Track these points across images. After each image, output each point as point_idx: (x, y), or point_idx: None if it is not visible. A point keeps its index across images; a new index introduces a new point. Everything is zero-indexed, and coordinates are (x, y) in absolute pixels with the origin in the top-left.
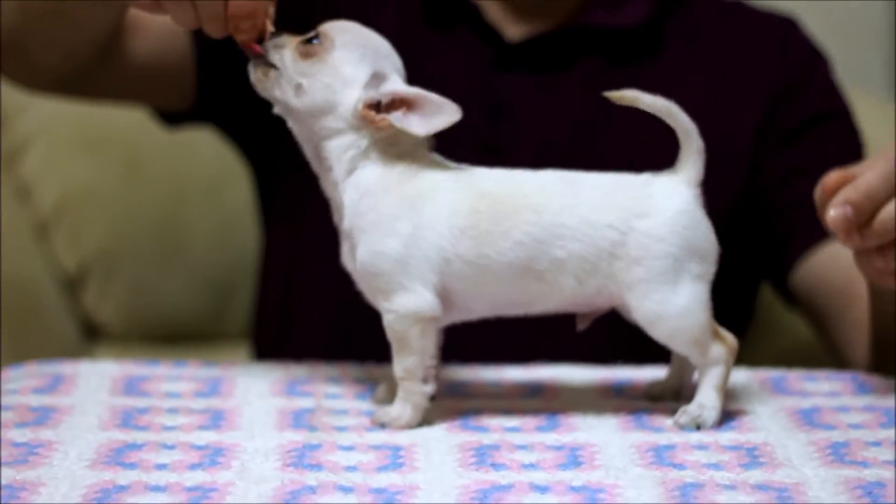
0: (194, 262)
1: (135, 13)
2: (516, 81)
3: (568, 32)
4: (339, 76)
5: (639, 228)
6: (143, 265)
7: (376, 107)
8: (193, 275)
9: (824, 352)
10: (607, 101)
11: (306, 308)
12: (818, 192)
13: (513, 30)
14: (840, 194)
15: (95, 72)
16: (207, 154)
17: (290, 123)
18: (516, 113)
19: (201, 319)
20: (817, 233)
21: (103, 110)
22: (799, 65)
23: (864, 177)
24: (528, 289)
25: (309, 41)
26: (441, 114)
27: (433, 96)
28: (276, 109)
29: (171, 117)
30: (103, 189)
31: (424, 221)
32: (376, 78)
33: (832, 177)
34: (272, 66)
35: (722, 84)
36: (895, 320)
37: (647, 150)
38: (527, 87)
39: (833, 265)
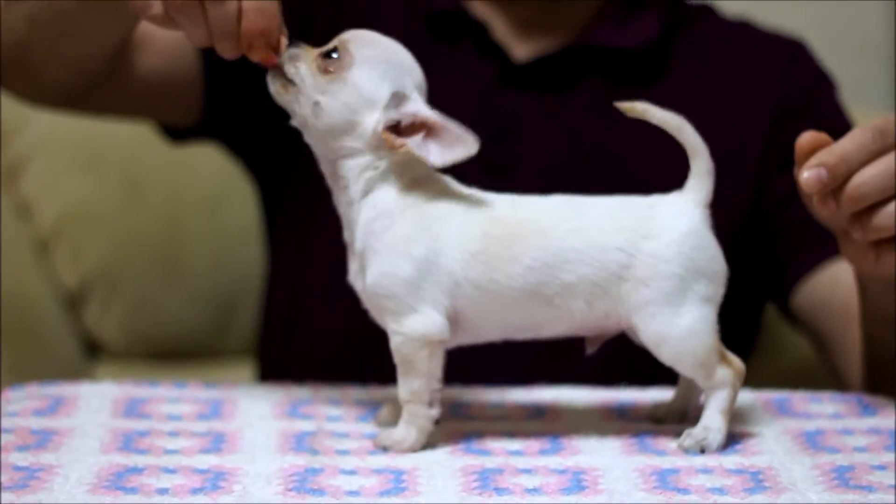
0: (195, 279)
1: (143, 28)
2: (522, 100)
3: (574, 52)
4: (360, 96)
5: (645, 250)
6: (144, 282)
7: (396, 126)
8: (194, 292)
9: (827, 370)
10: (613, 120)
11: (311, 325)
12: (796, 153)
13: (519, 48)
14: (814, 157)
15: (102, 87)
16: (208, 171)
17: (307, 138)
18: (521, 132)
19: (202, 337)
20: (818, 254)
21: (103, 127)
22: (804, 87)
23: (840, 142)
24: (537, 313)
25: (328, 55)
26: (460, 145)
27: (455, 126)
28: (294, 122)
29: (176, 133)
30: (104, 206)
31: (438, 246)
32: (397, 97)
33: (805, 136)
34: (290, 80)
35: (727, 105)
36: (883, 325)
37: (653, 169)
38: (532, 106)
39: (833, 286)
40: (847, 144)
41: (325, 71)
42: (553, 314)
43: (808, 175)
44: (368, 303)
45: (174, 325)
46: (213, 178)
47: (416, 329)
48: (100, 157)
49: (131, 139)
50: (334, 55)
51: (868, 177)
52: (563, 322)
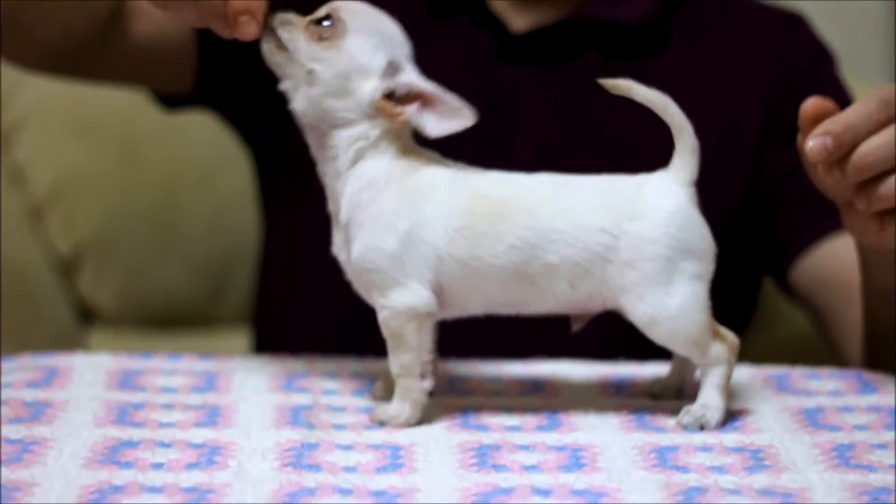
0: (190, 246)
1: None
2: (519, 73)
3: (572, 24)
4: (355, 64)
5: (630, 231)
6: (138, 249)
7: (390, 96)
8: (189, 259)
9: (825, 344)
10: (609, 94)
11: (307, 294)
12: (800, 120)
13: (516, 20)
14: (820, 126)
15: (95, 52)
16: (203, 138)
17: (296, 104)
18: (518, 105)
19: (197, 304)
20: (818, 230)
21: (98, 92)
22: (804, 62)
23: (846, 112)
24: (520, 292)
25: (319, 22)
26: (456, 117)
27: (451, 98)
28: (284, 86)
29: (170, 100)
30: (98, 172)
31: (422, 220)
32: (391, 67)
33: (810, 102)
34: (283, 46)
35: (726, 81)
36: (885, 299)
37: (649, 144)
38: (529, 79)
39: (833, 262)
40: (852, 114)
41: (319, 38)
42: (536, 293)
43: (813, 144)
44: (353, 277)
45: (169, 291)
46: (209, 145)
47: (402, 302)
48: (94, 122)
49: (126, 105)
50: (326, 23)
51: (874, 146)
52: (547, 302)
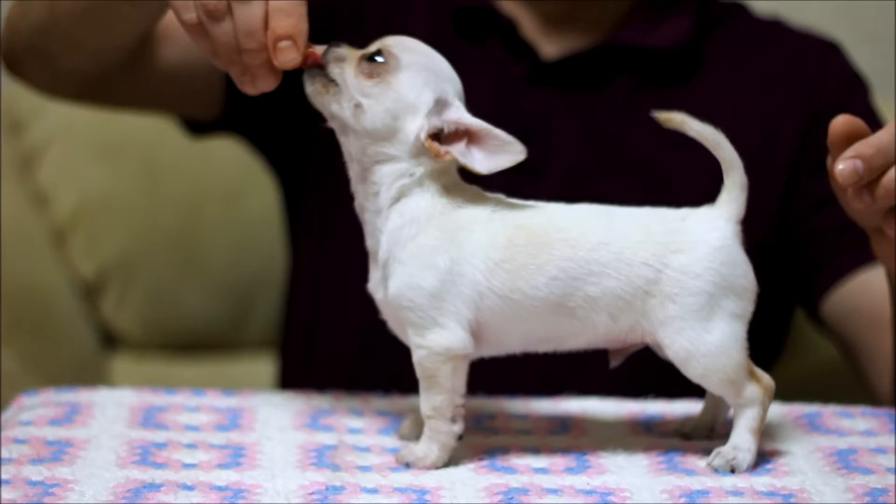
0: (213, 270)
1: (166, 21)
2: (549, 99)
3: (603, 51)
4: (403, 101)
5: (673, 265)
6: (161, 273)
7: (438, 134)
8: (212, 284)
9: (854, 373)
10: (642, 122)
11: (333, 325)
12: (829, 139)
13: (548, 46)
14: (851, 148)
15: (122, 78)
16: (226, 161)
17: (342, 140)
18: (548, 131)
19: (220, 328)
20: (850, 261)
21: (120, 117)
22: (837, 91)
23: (878, 134)
24: (560, 325)
25: (371, 58)
26: (506, 152)
27: (499, 133)
28: (331, 124)
29: (196, 126)
30: (121, 196)
31: (462, 255)
32: (439, 104)
33: (840, 120)
34: (332, 80)
35: (759, 107)
36: None
37: (681, 173)
38: (560, 106)
39: (864, 294)
40: (884, 136)
41: (370, 75)
42: (576, 326)
43: (843, 167)
44: (389, 314)
45: (192, 317)
46: (232, 169)
47: (440, 343)
48: (118, 146)
49: (150, 129)
50: (378, 59)
51: None
52: (586, 334)
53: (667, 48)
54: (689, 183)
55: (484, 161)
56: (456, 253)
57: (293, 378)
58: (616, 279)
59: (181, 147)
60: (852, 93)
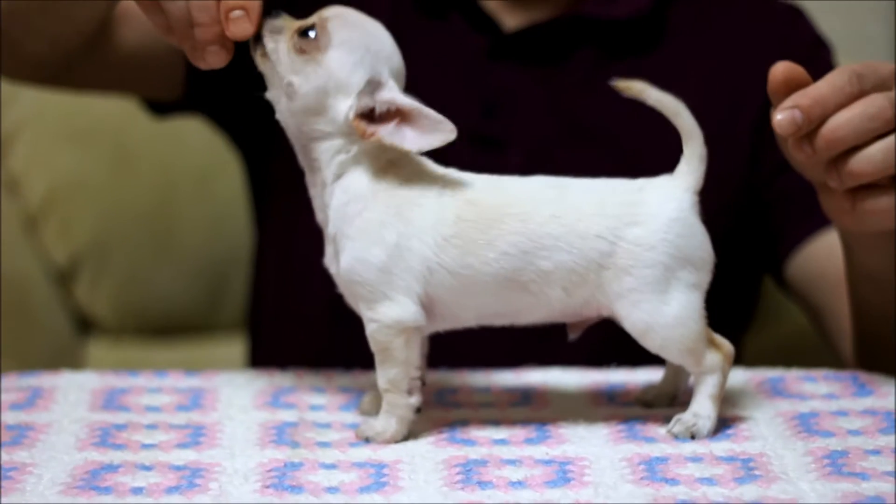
0: (186, 253)
1: (123, 3)
2: (512, 72)
3: (565, 22)
4: (334, 80)
5: (628, 237)
6: (134, 257)
7: (370, 113)
8: (186, 265)
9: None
10: (606, 93)
11: (301, 302)
12: (769, 86)
13: (509, 19)
14: (789, 98)
15: (83, 62)
16: (197, 144)
17: (279, 115)
18: (511, 105)
19: (194, 311)
20: (811, 224)
21: (91, 101)
22: (801, 54)
23: (816, 84)
24: (513, 300)
25: (305, 32)
26: (437, 132)
27: (431, 112)
28: (269, 95)
29: (160, 107)
30: (92, 181)
31: (410, 230)
32: (372, 84)
33: (778, 67)
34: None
35: (722, 76)
36: (870, 284)
37: (646, 145)
38: (523, 78)
39: (826, 257)
40: (823, 87)
41: (301, 50)
42: (530, 301)
43: (781, 117)
44: (343, 288)
45: (166, 299)
46: (203, 150)
47: (390, 316)
48: (87, 130)
49: (119, 113)
50: (311, 34)
51: (844, 120)
52: (541, 309)
53: (628, 18)
54: (656, 154)
55: (415, 140)
56: (404, 228)
57: (262, 357)
58: (568, 253)
59: (151, 130)
60: (816, 55)
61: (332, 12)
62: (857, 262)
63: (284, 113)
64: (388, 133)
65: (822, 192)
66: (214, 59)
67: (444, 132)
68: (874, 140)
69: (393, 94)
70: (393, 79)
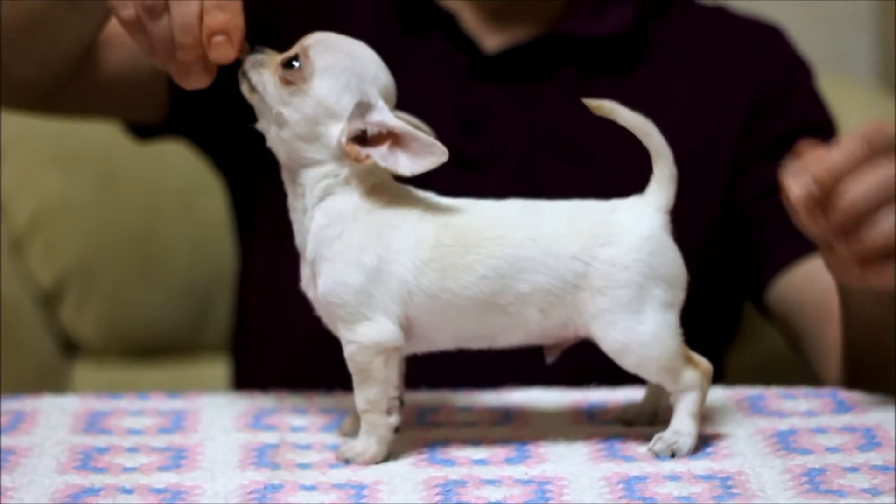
0: (171, 274)
1: (109, 27)
2: (493, 92)
3: (546, 41)
4: (322, 107)
5: (602, 257)
6: (119, 279)
7: (362, 136)
8: (171, 287)
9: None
10: (586, 111)
11: (284, 325)
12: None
13: (490, 39)
14: (804, 168)
15: (69, 87)
16: (182, 166)
17: (270, 144)
18: (493, 124)
19: (180, 332)
20: (793, 250)
21: (77, 124)
22: (781, 75)
23: (831, 154)
24: (491, 323)
25: (289, 63)
26: (430, 154)
27: (421, 136)
28: (259, 126)
29: (143, 130)
30: (78, 203)
31: (390, 254)
32: (361, 106)
33: (808, 149)
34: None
35: (702, 95)
36: (866, 332)
37: (628, 163)
38: (504, 98)
39: (809, 284)
40: (837, 156)
41: (287, 81)
42: (508, 323)
43: (798, 193)
44: (321, 311)
45: (151, 321)
46: (188, 173)
47: (369, 337)
48: (73, 153)
49: (105, 135)
50: (295, 63)
51: (859, 193)
52: (519, 332)
53: (608, 36)
54: (638, 172)
55: (408, 163)
56: (383, 251)
57: (245, 378)
58: (545, 274)
59: (136, 152)
60: (796, 76)
61: (313, 39)
62: (854, 309)
63: (275, 141)
64: (381, 156)
65: (826, 252)
66: (198, 80)
67: (436, 155)
68: (885, 205)
69: (383, 115)
70: (382, 98)
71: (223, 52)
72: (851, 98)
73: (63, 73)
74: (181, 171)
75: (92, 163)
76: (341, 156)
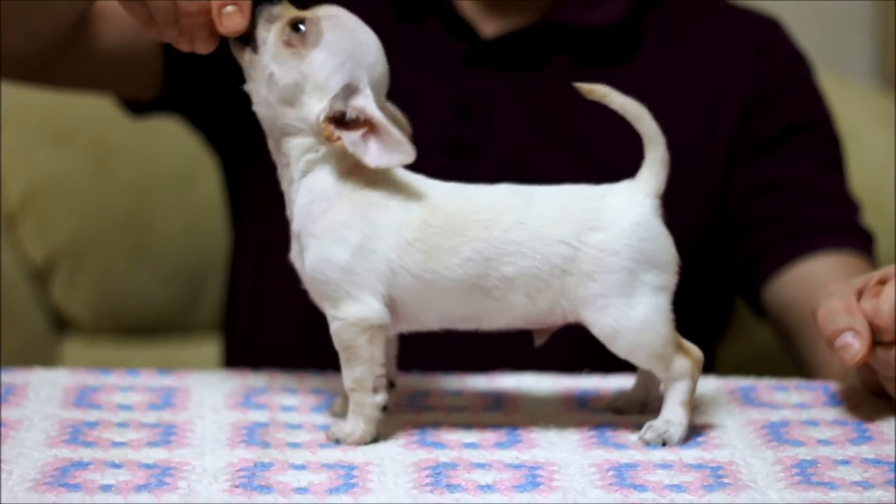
0: (163, 253)
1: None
2: (488, 79)
3: (542, 29)
4: (312, 79)
5: (591, 242)
6: (111, 257)
7: (341, 118)
8: (163, 266)
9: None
10: (582, 100)
11: (276, 302)
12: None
13: (486, 25)
14: (845, 325)
15: (61, 59)
16: (176, 144)
17: (255, 107)
18: (488, 111)
19: (171, 311)
20: (789, 251)
21: (71, 99)
22: (779, 69)
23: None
24: (476, 305)
25: (296, 26)
26: (396, 152)
27: (395, 132)
28: (247, 86)
29: (137, 106)
30: (70, 179)
31: (374, 232)
32: (348, 89)
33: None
34: (251, 48)
35: (698, 87)
36: None
37: (620, 150)
38: (498, 85)
39: (804, 287)
40: (884, 306)
41: (288, 43)
42: (493, 307)
43: (847, 356)
44: (308, 285)
45: (142, 299)
46: (182, 152)
47: (353, 314)
48: (67, 129)
49: (98, 111)
50: (302, 27)
51: None
52: (504, 315)
53: (604, 26)
54: (630, 159)
55: (376, 155)
56: (368, 229)
57: (237, 357)
58: (532, 258)
59: (130, 130)
60: (795, 73)
61: (327, 12)
62: None
63: (261, 105)
64: (351, 141)
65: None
66: (202, 46)
67: (402, 153)
68: None
69: (366, 102)
70: (371, 87)
71: (235, 22)
72: (849, 96)
73: (53, 45)
74: (175, 149)
75: (85, 140)
76: (319, 131)
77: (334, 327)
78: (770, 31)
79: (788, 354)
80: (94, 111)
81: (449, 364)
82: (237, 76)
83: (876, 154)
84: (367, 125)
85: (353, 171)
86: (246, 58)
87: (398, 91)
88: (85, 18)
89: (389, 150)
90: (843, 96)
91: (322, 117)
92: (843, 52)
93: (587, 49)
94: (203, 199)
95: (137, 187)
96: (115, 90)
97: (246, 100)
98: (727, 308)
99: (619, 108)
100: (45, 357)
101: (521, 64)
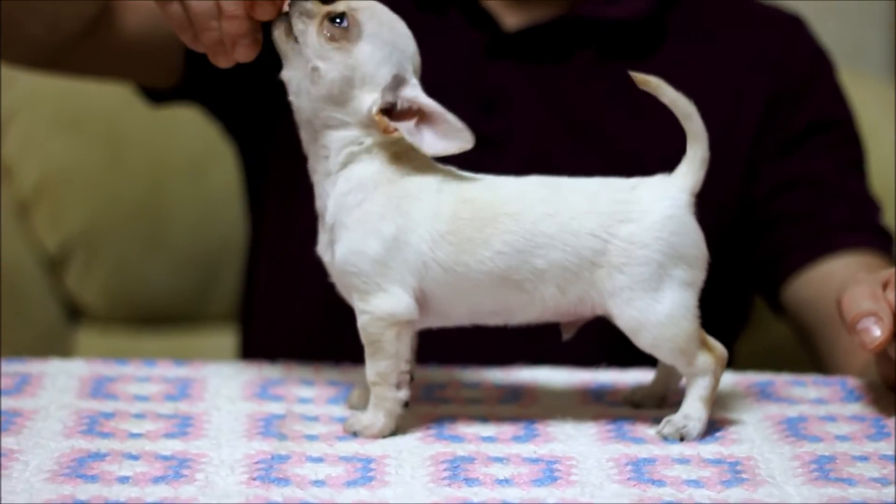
0: (177, 242)
1: None
2: (511, 71)
3: (565, 22)
4: (361, 72)
5: (621, 234)
6: (125, 245)
7: (390, 109)
8: (176, 256)
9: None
10: (604, 94)
11: (294, 293)
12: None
13: (509, 18)
14: (868, 311)
15: (82, 47)
16: (190, 133)
17: (293, 97)
18: (510, 103)
19: (185, 300)
20: (810, 251)
21: (86, 88)
22: (801, 68)
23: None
24: (507, 298)
25: (334, 19)
26: (456, 139)
27: (454, 119)
28: (284, 75)
29: (156, 95)
30: (85, 168)
31: (409, 224)
32: (396, 80)
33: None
34: (294, 36)
35: (720, 82)
36: None
37: (642, 144)
38: (522, 78)
39: (825, 286)
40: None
41: (331, 38)
42: (524, 299)
43: (867, 339)
44: (336, 278)
45: (156, 289)
46: (196, 141)
47: (383, 308)
48: (82, 118)
49: (113, 100)
50: (342, 22)
51: None
52: (535, 307)
53: (628, 20)
54: (652, 154)
55: (433, 143)
56: (402, 221)
57: (253, 348)
58: (562, 251)
59: (145, 118)
60: (818, 71)
61: (363, 4)
62: None
63: (302, 96)
64: (408, 131)
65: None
66: (244, 53)
67: (462, 140)
68: None
69: (416, 92)
70: (415, 76)
71: (267, 9)
72: (865, 91)
73: (75, 34)
74: (189, 138)
75: (99, 128)
76: (369, 124)
77: (362, 321)
78: (793, 29)
79: (807, 354)
80: (109, 100)
81: (466, 357)
82: (261, 65)
83: (891, 149)
84: (416, 114)
85: (392, 161)
86: (289, 46)
87: (421, 82)
88: (106, 8)
89: (447, 136)
90: (857, 91)
91: (375, 110)
92: (859, 48)
93: (610, 43)
94: (217, 188)
95: (152, 176)
96: (136, 78)
97: (271, 88)
98: (746, 305)
99: (669, 102)
100: (58, 346)
101: (543, 57)
